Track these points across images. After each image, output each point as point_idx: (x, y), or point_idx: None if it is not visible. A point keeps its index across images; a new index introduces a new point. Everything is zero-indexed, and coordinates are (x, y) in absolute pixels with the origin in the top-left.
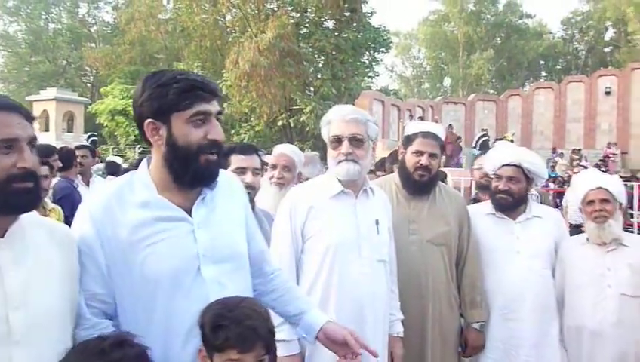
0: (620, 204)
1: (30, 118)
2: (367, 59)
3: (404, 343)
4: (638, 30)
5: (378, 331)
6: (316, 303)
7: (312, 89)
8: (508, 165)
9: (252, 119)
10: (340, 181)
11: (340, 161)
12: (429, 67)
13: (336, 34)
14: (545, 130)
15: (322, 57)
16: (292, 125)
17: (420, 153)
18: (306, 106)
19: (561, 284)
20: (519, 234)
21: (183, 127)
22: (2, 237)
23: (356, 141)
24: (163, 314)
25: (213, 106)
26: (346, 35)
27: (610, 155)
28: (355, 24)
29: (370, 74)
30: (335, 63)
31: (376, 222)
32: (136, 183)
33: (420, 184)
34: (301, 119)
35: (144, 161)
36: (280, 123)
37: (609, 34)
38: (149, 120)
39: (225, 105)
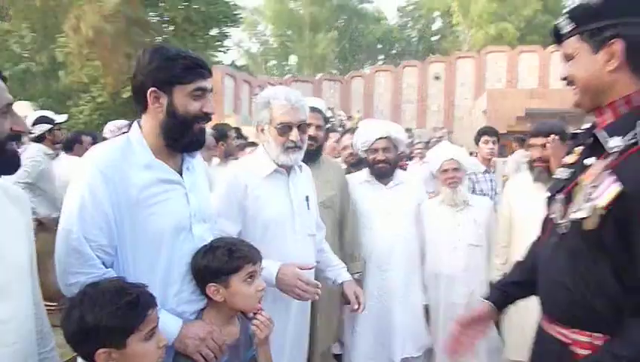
0: (465, 172)
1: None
2: (217, 33)
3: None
4: (462, 23)
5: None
6: None
7: None
8: (381, 138)
9: (93, 90)
10: (273, 160)
11: (288, 148)
12: (275, 44)
13: (185, 3)
14: (384, 110)
15: (172, 28)
16: None
17: (307, 125)
18: None
19: (422, 239)
20: (390, 197)
21: (183, 99)
22: None
23: (304, 127)
24: (163, 264)
25: (209, 84)
26: (197, 7)
27: (435, 138)
28: None
29: (220, 48)
30: (185, 35)
31: (307, 198)
32: (134, 145)
33: (309, 153)
34: None
35: (135, 125)
36: (125, 95)
37: (437, 24)
38: (152, 88)
39: (61, 73)
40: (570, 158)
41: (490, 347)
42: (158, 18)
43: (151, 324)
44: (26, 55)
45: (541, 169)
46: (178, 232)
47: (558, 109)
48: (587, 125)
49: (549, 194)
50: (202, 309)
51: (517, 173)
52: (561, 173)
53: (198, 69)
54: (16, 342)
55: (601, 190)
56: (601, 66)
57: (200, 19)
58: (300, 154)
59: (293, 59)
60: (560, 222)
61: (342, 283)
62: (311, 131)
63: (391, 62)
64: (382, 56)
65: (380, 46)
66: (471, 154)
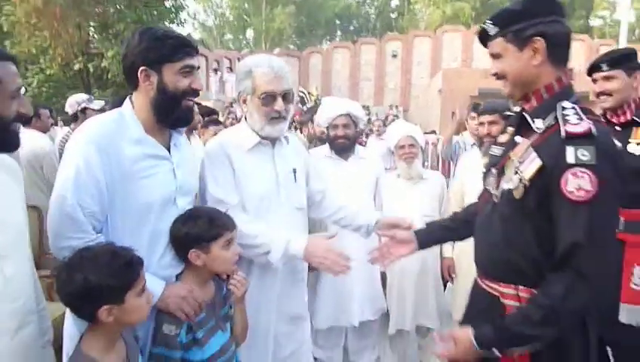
0: (421, 148)
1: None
2: (171, 5)
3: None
4: (419, 1)
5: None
6: None
7: (111, 32)
8: (341, 115)
9: (42, 61)
10: (256, 132)
11: (273, 118)
12: (231, 17)
13: None
14: (342, 87)
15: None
16: (91, 70)
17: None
18: (107, 51)
19: (380, 210)
20: (350, 172)
21: (173, 76)
22: None
23: (288, 96)
24: (149, 233)
25: (197, 61)
26: None
27: (391, 115)
28: None
29: (175, 20)
30: (139, 6)
31: (294, 171)
32: (127, 120)
33: None
34: (102, 65)
35: (127, 101)
36: (76, 67)
37: (395, 1)
38: (142, 67)
39: (7, 43)
40: (504, 137)
41: (441, 309)
42: None
43: (142, 281)
44: None
45: (490, 145)
46: (164, 204)
47: None
48: (517, 108)
49: (484, 169)
50: (180, 273)
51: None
52: (495, 150)
53: (186, 47)
54: (20, 297)
55: (526, 165)
56: (526, 62)
57: None
58: (285, 125)
59: (249, 34)
60: (493, 192)
61: (376, 222)
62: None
63: (349, 39)
64: (339, 32)
65: (338, 22)
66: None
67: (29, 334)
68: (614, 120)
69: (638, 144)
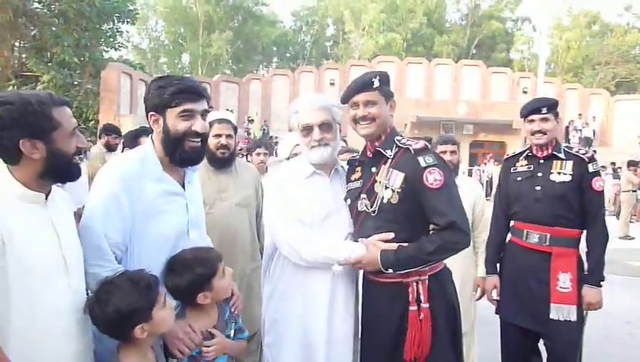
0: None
1: None
2: (109, 29)
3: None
4: (353, 31)
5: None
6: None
7: (49, 55)
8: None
9: None
10: (312, 164)
11: (313, 147)
12: (167, 41)
13: None
14: (281, 113)
15: (62, 22)
16: None
17: (218, 135)
18: (43, 74)
19: None
20: None
21: (173, 120)
22: (46, 200)
23: (325, 126)
24: (163, 263)
25: (199, 106)
26: (89, 0)
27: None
28: None
29: (115, 45)
30: (77, 30)
31: (346, 199)
32: (149, 159)
33: (223, 160)
34: (37, 88)
35: (149, 140)
36: (10, 90)
37: (330, 30)
38: (151, 113)
39: None
40: (355, 175)
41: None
42: (46, 10)
43: (162, 296)
44: None
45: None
46: (178, 237)
47: (440, 117)
48: (356, 154)
49: (349, 200)
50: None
51: None
52: (353, 185)
53: (185, 93)
54: (82, 309)
55: (393, 179)
56: (387, 111)
57: (94, 14)
58: (327, 150)
59: (186, 58)
60: (369, 210)
61: None
62: (223, 140)
63: (285, 65)
64: (276, 59)
65: (274, 48)
66: None
67: (89, 340)
68: (539, 154)
69: (558, 173)
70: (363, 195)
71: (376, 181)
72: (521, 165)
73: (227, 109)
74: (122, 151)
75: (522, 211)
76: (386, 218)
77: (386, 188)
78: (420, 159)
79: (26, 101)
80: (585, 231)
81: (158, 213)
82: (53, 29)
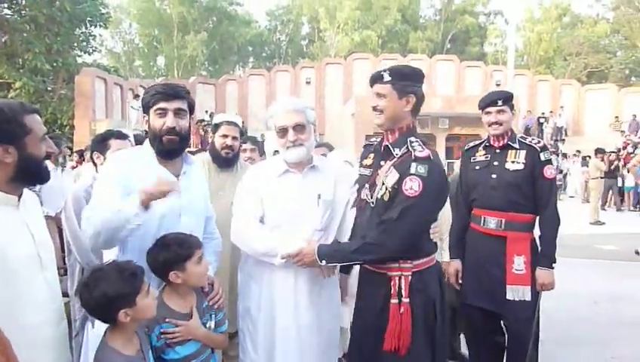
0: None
1: None
2: (82, 33)
3: None
4: (328, 28)
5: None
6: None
7: (20, 62)
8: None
9: None
10: (287, 163)
11: (289, 147)
12: (141, 44)
13: (48, 2)
14: (258, 113)
15: (33, 28)
16: None
17: (225, 136)
18: (16, 81)
19: None
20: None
21: (153, 118)
22: (19, 201)
23: (299, 128)
24: (154, 238)
25: (171, 105)
26: (59, 4)
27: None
28: None
29: (88, 49)
30: (49, 35)
31: (318, 196)
32: (144, 151)
33: (226, 159)
34: (10, 95)
35: (147, 139)
36: None
37: (305, 29)
38: (143, 114)
39: None
40: (367, 161)
41: None
42: (16, 16)
43: (146, 285)
44: None
45: None
46: (166, 216)
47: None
48: (376, 139)
49: (356, 186)
50: (162, 289)
51: None
52: (364, 171)
53: (160, 94)
54: (57, 298)
55: (390, 177)
56: (401, 107)
57: (65, 19)
58: (302, 150)
59: (161, 61)
60: (370, 200)
61: None
62: (228, 141)
63: (261, 65)
64: (252, 59)
65: (250, 48)
66: None
67: (65, 327)
68: (495, 144)
69: (512, 162)
70: (367, 185)
71: (379, 175)
72: (480, 155)
73: (206, 111)
74: (91, 156)
75: (480, 198)
76: (378, 212)
77: (383, 184)
78: (413, 165)
79: None
80: (538, 217)
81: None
82: (24, 35)
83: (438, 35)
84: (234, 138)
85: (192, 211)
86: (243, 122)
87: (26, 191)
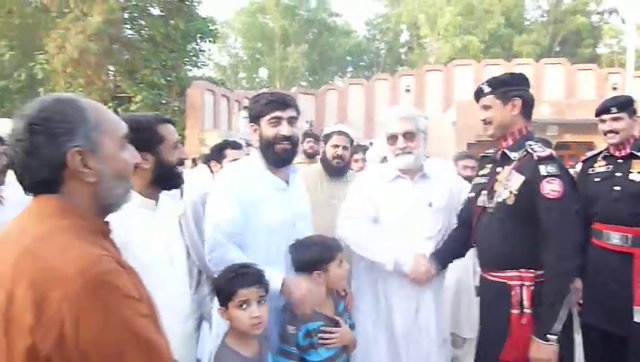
0: None
1: None
2: (193, 48)
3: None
4: (429, 34)
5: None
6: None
7: (139, 77)
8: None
9: None
10: (397, 169)
11: (398, 155)
12: (245, 57)
13: (164, 22)
14: (358, 122)
15: (151, 45)
16: (118, 114)
17: (336, 146)
18: (136, 95)
19: None
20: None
21: (265, 126)
22: (156, 205)
23: (409, 135)
24: (275, 247)
25: (285, 113)
26: (174, 23)
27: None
28: (184, 12)
29: (198, 64)
30: (164, 52)
31: (429, 204)
32: (254, 161)
33: (337, 169)
34: (131, 108)
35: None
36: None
37: (404, 36)
38: (251, 123)
39: (41, 90)
40: (484, 171)
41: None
42: (137, 36)
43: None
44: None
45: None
46: (284, 227)
47: None
48: (490, 151)
49: (472, 193)
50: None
51: None
52: (479, 180)
53: (273, 103)
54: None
55: (512, 181)
56: (508, 112)
57: (179, 37)
58: (411, 158)
59: (263, 72)
60: (487, 205)
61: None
62: (339, 151)
63: (360, 74)
64: (351, 68)
65: (349, 58)
66: None
67: (192, 323)
68: (617, 153)
69: (638, 173)
70: (484, 191)
71: (497, 180)
72: (600, 165)
73: (306, 121)
74: (208, 165)
75: (602, 212)
76: (499, 217)
77: (505, 188)
78: (542, 167)
79: (137, 121)
80: None
81: (264, 204)
82: (143, 52)
83: (546, 37)
84: (344, 148)
85: (304, 217)
86: None
87: (163, 196)
